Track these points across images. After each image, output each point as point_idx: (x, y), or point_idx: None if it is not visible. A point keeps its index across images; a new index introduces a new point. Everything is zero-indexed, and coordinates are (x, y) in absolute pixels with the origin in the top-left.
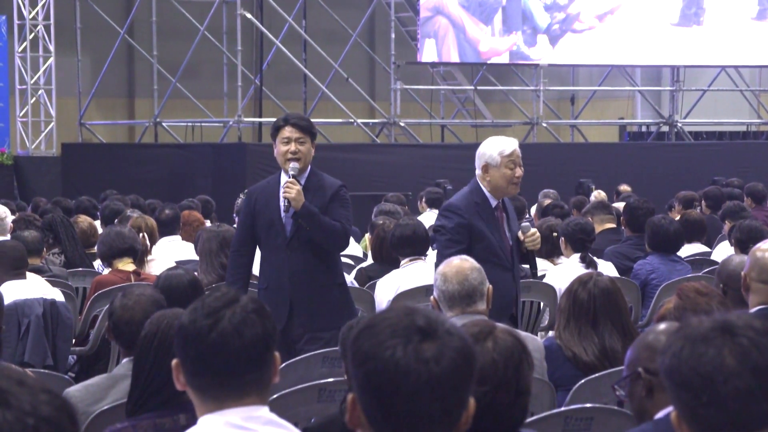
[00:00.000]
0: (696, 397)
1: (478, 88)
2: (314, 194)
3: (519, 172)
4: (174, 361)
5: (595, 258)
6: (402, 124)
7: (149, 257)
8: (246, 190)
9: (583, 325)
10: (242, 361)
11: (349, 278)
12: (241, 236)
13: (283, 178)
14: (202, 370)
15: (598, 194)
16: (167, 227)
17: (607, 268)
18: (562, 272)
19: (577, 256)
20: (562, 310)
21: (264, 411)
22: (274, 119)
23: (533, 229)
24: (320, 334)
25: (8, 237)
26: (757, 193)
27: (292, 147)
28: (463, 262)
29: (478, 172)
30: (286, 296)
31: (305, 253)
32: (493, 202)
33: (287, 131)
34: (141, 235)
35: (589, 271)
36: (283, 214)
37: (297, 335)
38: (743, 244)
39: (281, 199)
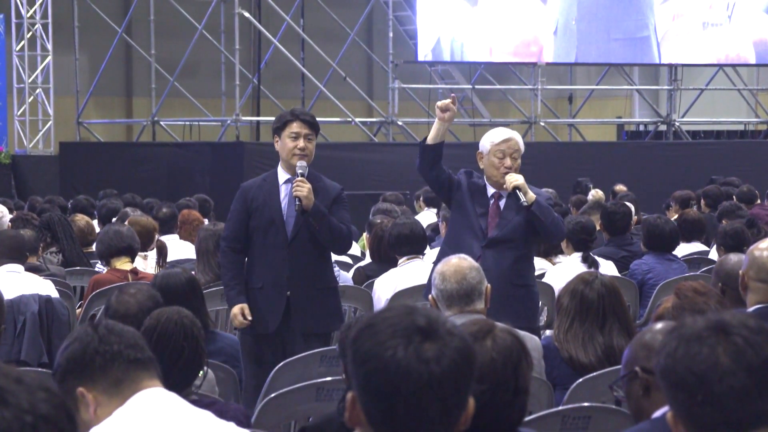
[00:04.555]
0: (691, 397)
1: (476, 87)
2: (316, 195)
3: (508, 162)
4: None
5: (596, 258)
6: (400, 123)
7: (146, 255)
8: (242, 185)
9: (590, 326)
10: None
11: (347, 277)
12: (237, 231)
13: (282, 175)
14: None
15: (595, 193)
16: (165, 226)
17: (607, 268)
18: (562, 271)
19: (577, 255)
20: (566, 311)
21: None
22: (271, 118)
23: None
24: (314, 341)
25: None
26: (743, 196)
27: (301, 143)
28: (461, 261)
29: None
30: (283, 296)
31: (305, 254)
32: (490, 191)
33: (296, 126)
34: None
35: (590, 270)
36: (285, 211)
37: (291, 336)
38: (730, 249)
39: (283, 197)
